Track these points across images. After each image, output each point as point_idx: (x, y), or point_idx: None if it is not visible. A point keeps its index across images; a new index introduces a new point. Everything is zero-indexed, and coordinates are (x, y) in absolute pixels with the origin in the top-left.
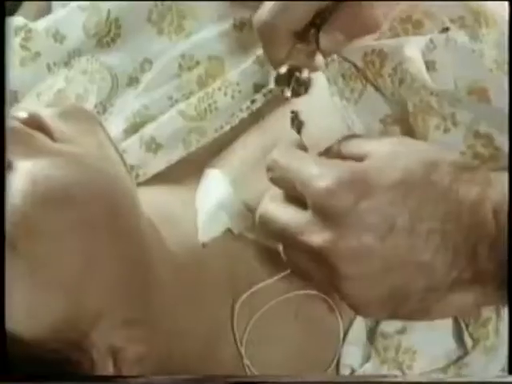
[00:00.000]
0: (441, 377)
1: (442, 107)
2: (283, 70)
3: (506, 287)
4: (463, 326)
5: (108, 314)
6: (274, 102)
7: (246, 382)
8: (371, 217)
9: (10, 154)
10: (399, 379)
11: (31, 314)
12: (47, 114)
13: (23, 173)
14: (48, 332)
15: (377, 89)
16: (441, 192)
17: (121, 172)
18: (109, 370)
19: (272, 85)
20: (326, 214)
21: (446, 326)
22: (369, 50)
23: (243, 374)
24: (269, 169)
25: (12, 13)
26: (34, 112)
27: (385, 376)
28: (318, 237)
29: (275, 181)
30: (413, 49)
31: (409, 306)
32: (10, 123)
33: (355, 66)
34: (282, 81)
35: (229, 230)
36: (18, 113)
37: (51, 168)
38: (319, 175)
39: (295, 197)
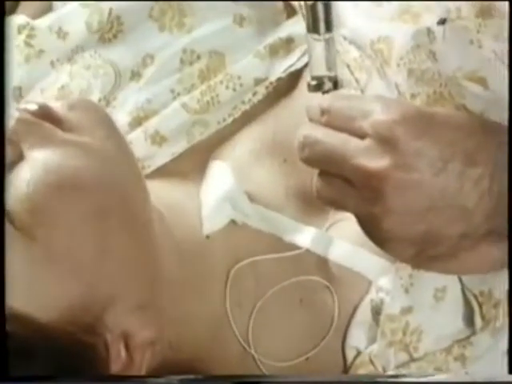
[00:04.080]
0: (443, 377)
1: (453, 97)
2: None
3: None
4: (476, 306)
5: (120, 299)
6: (276, 95)
7: (250, 382)
8: (430, 152)
9: (21, 145)
10: (404, 379)
11: (47, 299)
12: (57, 106)
13: (35, 162)
14: (63, 316)
15: (381, 78)
16: (496, 140)
17: (130, 162)
18: (121, 354)
19: (273, 78)
20: (387, 144)
21: (453, 305)
22: (375, 36)
23: (250, 360)
24: (303, 145)
25: (11, 12)
26: (43, 104)
27: (390, 376)
28: (376, 162)
29: (313, 154)
30: (417, 38)
31: (438, 249)
32: (21, 115)
33: (363, 53)
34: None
35: (232, 221)
36: (27, 105)
37: (63, 157)
38: (385, 108)
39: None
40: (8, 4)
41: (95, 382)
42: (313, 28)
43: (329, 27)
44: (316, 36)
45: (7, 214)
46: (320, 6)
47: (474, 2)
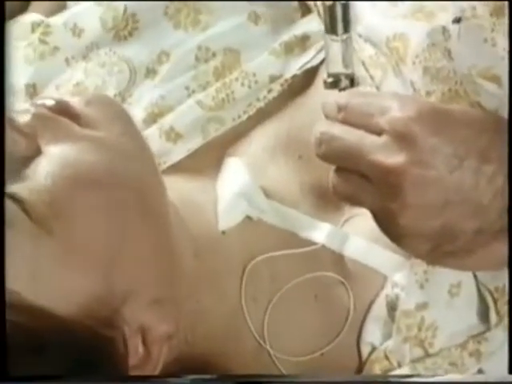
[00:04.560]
0: (455, 376)
1: (468, 95)
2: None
3: None
4: (491, 301)
5: (137, 292)
6: (291, 92)
7: (254, 382)
8: (445, 149)
9: (38, 140)
10: (416, 379)
11: (65, 293)
12: (74, 101)
13: (53, 157)
14: (82, 309)
15: (396, 76)
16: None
17: (146, 156)
18: (139, 348)
19: (288, 75)
20: (404, 140)
21: (468, 301)
22: (391, 34)
23: (265, 355)
24: (320, 142)
25: (23, 10)
26: (61, 99)
27: (403, 376)
28: (393, 158)
29: (330, 150)
30: (432, 36)
31: (454, 245)
32: (38, 110)
33: (378, 51)
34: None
35: (248, 217)
36: (44, 100)
37: (80, 152)
38: (402, 105)
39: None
40: (19, 3)
41: (102, 383)
42: (331, 29)
43: (347, 28)
44: (334, 37)
45: (24, 206)
46: (338, 7)
47: (487, 2)
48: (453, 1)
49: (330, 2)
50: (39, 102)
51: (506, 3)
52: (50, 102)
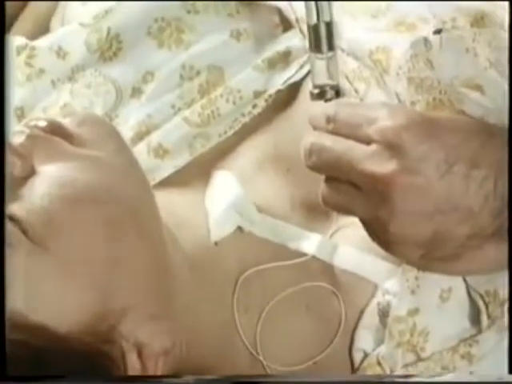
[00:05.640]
0: (450, 377)
1: (452, 104)
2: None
3: None
4: (482, 305)
5: (134, 309)
6: (275, 107)
7: (250, 382)
8: (435, 156)
9: (32, 160)
10: (411, 379)
11: (64, 310)
12: (66, 121)
13: (48, 176)
14: (80, 326)
15: (380, 88)
16: (498, 142)
17: (139, 174)
18: (135, 364)
19: (272, 90)
20: (393, 148)
21: (459, 305)
22: (373, 47)
23: (259, 366)
24: (310, 152)
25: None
26: (53, 120)
27: (398, 376)
28: (383, 166)
29: (321, 160)
30: (415, 47)
31: (445, 251)
32: (31, 131)
33: (361, 64)
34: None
35: (238, 228)
36: (37, 121)
37: (75, 171)
38: (390, 114)
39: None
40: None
41: (104, 383)
42: (315, 48)
43: (331, 46)
44: (319, 55)
45: (21, 226)
46: (322, 26)
47: (468, 12)
48: (447, 1)
49: (314, 22)
50: (32, 123)
51: (507, 3)
52: (43, 123)
